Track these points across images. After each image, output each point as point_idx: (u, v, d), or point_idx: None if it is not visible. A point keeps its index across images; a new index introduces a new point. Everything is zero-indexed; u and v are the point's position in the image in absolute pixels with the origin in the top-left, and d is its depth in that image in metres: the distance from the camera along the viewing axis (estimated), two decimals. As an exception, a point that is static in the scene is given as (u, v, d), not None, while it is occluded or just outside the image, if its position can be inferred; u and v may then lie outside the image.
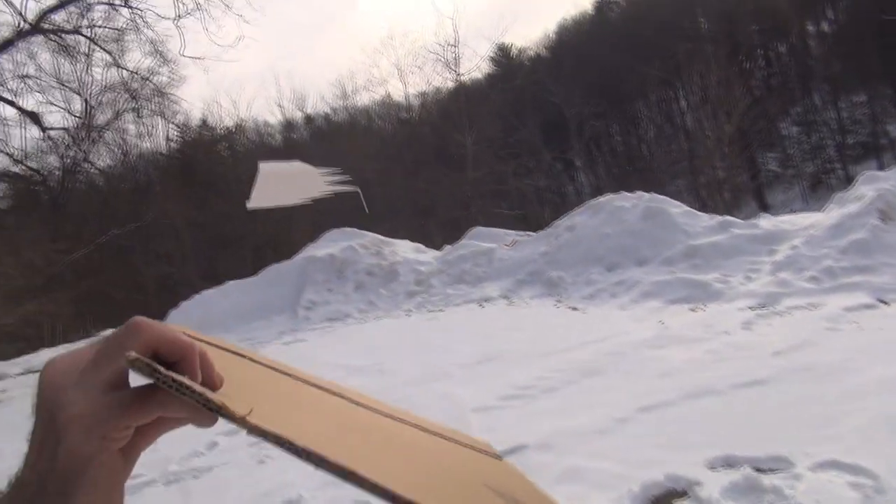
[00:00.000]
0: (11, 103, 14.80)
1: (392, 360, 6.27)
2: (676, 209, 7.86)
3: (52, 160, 30.03)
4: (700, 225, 7.53)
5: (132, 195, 35.88)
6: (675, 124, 39.47)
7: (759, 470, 2.94)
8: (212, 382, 0.41)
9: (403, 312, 8.71)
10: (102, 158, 39.80)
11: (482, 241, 10.06)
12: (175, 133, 40.06)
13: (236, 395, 0.42)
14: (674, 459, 3.18)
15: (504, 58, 43.96)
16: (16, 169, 31.07)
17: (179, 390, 0.37)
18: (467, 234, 10.77)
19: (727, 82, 26.26)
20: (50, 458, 0.37)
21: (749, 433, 3.32)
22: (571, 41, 46.11)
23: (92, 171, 35.70)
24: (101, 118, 30.76)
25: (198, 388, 0.38)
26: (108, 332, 0.41)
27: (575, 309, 6.94)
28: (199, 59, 21.83)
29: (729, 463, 3.07)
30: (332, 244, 11.14)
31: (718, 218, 7.60)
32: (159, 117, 37.70)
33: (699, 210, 8.61)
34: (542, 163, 32.54)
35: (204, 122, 39.86)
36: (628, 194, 8.61)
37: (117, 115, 30.93)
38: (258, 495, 3.83)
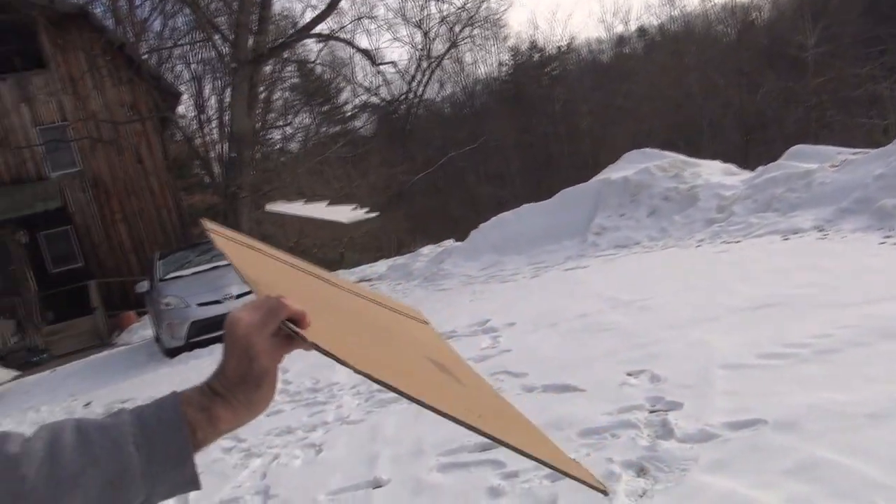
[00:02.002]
0: (349, 42, 16.59)
1: (661, 296, 5.69)
2: None
3: (401, 91, 33.43)
4: None
5: (469, 119, 38.43)
6: None
7: None
8: (304, 326, 0.67)
9: (695, 242, 7.85)
10: (443, 86, 43.11)
11: (803, 160, 8.51)
12: (506, 57, 41.55)
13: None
14: (965, 474, 2.29)
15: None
16: (374, 100, 35.38)
17: (318, 349, 0.63)
18: (786, 153, 9.20)
19: None
20: (247, 368, 0.65)
21: None
22: None
23: (433, 98, 38.98)
24: (439, 49, 33.13)
25: (326, 348, 0.62)
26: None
27: (906, 248, 5.49)
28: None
29: None
30: (630, 166, 10.49)
31: None
32: (491, 43, 39.29)
33: None
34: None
35: (533, 45, 40.53)
36: None
37: (453, 44, 33.02)
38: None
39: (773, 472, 2.60)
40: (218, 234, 0.96)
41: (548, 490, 2.96)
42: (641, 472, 2.89)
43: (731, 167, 10.18)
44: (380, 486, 3.46)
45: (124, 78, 16.59)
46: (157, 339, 10.05)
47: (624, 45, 44.40)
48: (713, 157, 11.85)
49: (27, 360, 13.12)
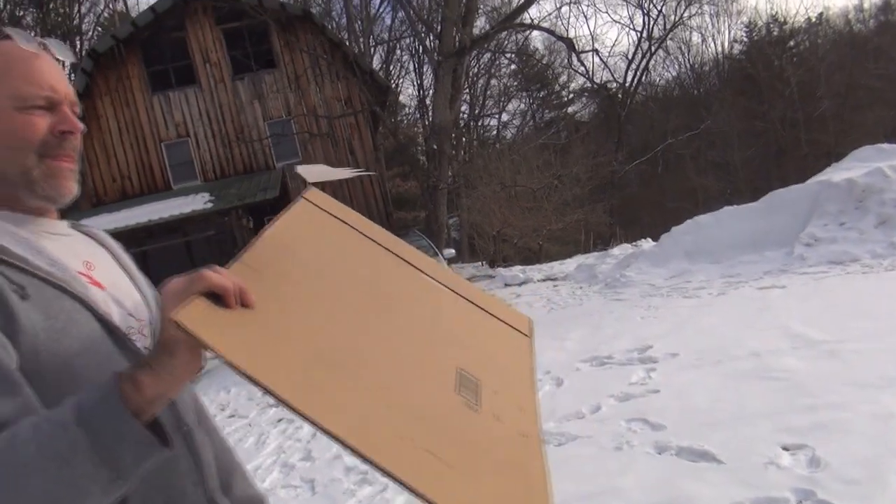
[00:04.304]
0: (549, 31, 16.04)
1: (860, 339, 4.65)
2: None
3: (616, 76, 32.07)
4: None
5: (692, 103, 35.83)
6: None
7: None
8: (248, 304, 0.69)
9: (931, 265, 6.39)
10: (667, 69, 40.68)
11: None
12: (741, 34, 38.02)
13: (264, 310, 0.70)
14: None
15: None
16: (589, 85, 34.33)
17: (179, 325, 0.63)
18: None
19: None
20: (162, 334, 0.67)
21: None
22: None
23: (654, 81, 36.92)
24: (662, 30, 31.12)
25: (209, 342, 0.62)
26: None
27: None
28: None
29: None
30: (858, 165, 8.89)
31: None
32: (723, 20, 36.22)
33: None
34: None
35: (773, 18, 36.54)
36: None
37: (675, 24, 30.88)
38: (600, 488, 3.29)
39: None
40: (314, 202, 0.88)
41: None
42: None
43: None
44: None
45: (340, 74, 17.66)
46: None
47: (890, 13, 38.52)
48: None
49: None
